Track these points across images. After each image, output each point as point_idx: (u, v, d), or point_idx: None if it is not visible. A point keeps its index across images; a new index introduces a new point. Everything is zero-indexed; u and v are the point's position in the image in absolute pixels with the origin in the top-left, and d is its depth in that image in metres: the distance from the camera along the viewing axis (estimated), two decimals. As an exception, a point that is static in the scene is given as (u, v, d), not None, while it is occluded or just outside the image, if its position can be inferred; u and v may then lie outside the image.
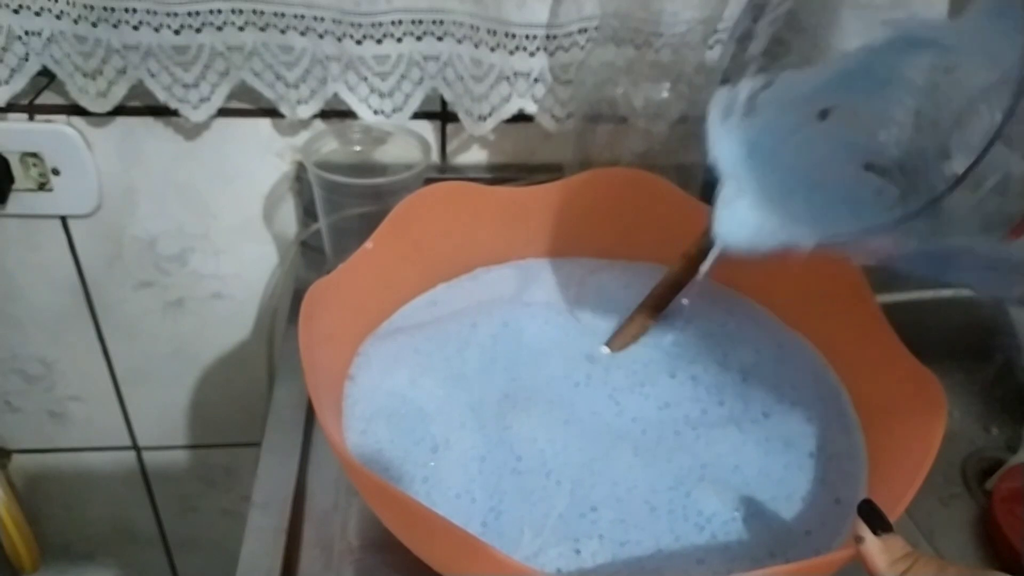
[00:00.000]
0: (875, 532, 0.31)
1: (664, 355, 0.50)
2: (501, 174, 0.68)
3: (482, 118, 0.62)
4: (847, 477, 0.42)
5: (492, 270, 0.56)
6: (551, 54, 0.60)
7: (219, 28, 0.57)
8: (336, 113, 0.64)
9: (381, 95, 0.62)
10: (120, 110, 0.62)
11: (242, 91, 0.62)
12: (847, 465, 0.43)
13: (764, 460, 0.43)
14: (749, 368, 0.49)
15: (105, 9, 0.55)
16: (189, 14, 0.56)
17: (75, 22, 0.57)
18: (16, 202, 0.67)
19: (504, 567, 0.31)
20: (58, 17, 0.57)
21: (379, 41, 0.59)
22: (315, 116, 0.63)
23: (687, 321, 0.52)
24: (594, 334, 0.51)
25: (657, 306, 0.49)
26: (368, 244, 0.47)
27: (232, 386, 0.81)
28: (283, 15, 0.57)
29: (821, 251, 0.36)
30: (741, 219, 0.38)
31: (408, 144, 0.61)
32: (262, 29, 0.58)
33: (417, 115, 0.64)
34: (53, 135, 0.64)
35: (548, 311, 0.52)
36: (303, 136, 0.66)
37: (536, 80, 0.61)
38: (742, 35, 0.41)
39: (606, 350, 0.49)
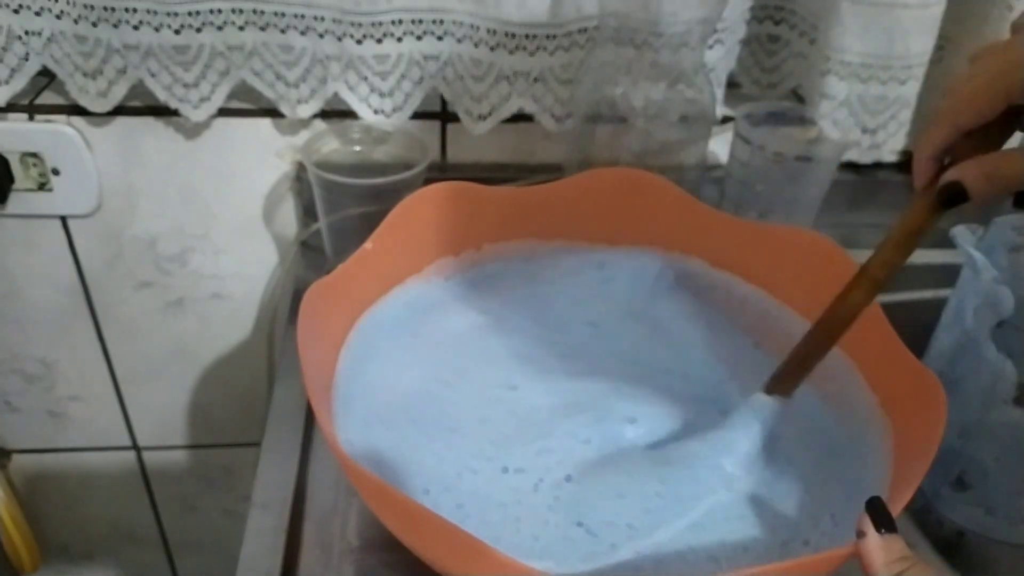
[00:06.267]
0: (877, 530, 0.31)
1: None
2: (501, 174, 0.68)
3: (482, 118, 0.62)
4: (865, 478, 0.42)
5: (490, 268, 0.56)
6: (551, 54, 0.60)
7: (219, 28, 0.57)
8: (336, 113, 0.64)
9: (381, 94, 0.62)
10: (120, 110, 0.62)
11: (242, 91, 0.62)
12: (865, 466, 0.43)
13: (780, 457, 0.43)
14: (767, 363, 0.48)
15: (105, 9, 0.55)
16: (189, 14, 0.56)
17: (75, 22, 0.57)
18: (16, 202, 0.67)
19: (504, 567, 0.31)
20: (58, 17, 0.57)
21: (379, 41, 0.59)
22: (315, 116, 0.63)
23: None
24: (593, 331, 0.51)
25: (828, 342, 0.41)
26: (368, 244, 0.47)
27: (232, 386, 0.81)
28: (283, 15, 0.58)
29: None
30: None
31: (408, 144, 0.61)
32: (262, 29, 0.58)
33: (417, 115, 0.64)
34: (53, 135, 0.64)
35: (548, 307, 0.52)
36: (303, 136, 0.66)
37: (536, 80, 0.61)
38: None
39: (765, 399, 0.43)
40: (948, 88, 0.34)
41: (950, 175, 0.34)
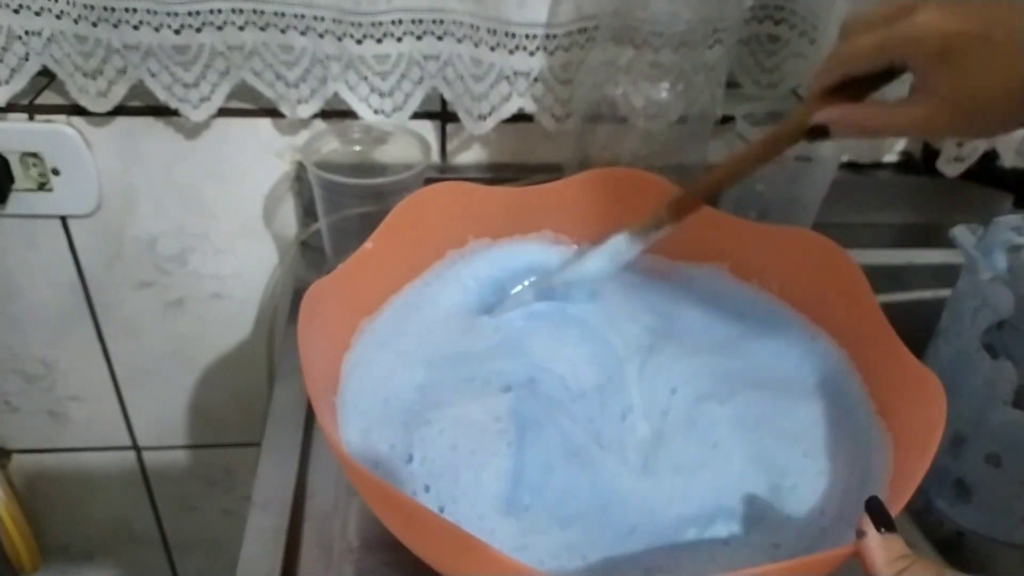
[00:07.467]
0: (877, 529, 0.31)
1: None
2: (501, 174, 0.68)
3: (482, 117, 0.62)
4: (862, 476, 0.42)
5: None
6: (551, 54, 0.60)
7: (219, 28, 0.57)
8: (336, 113, 0.64)
9: (381, 94, 0.62)
10: (120, 110, 0.62)
11: (242, 91, 0.62)
12: (862, 464, 0.43)
13: (779, 455, 0.43)
14: (768, 362, 0.49)
15: (105, 9, 0.55)
16: (189, 14, 0.56)
17: (75, 22, 0.57)
18: (16, 202, 0.67)
19: (504, 567, 0.31)
20: (58, 17, 0.57)
21: (379, 40, 0.59)
22: (315, 116, 0.63)
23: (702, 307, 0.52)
24: (595, 331, 0.51)
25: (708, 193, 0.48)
26: (368, 244, 0.47)
27: (232, 386, 0.81)
28: (283, 15, 0.58)
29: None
30: None
31: (408, 144, 0.61)
32: (262, 29, 0.58)
33: (417, 115, 0.64)
34: (53, 135, 0.64)
35: (546, 305, 0.52)
36: (303, 136, 0.66)
37: (536, 80, 0.61)
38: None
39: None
40: (844, 28, 0.39)
41: (821, 116, 0.40)
